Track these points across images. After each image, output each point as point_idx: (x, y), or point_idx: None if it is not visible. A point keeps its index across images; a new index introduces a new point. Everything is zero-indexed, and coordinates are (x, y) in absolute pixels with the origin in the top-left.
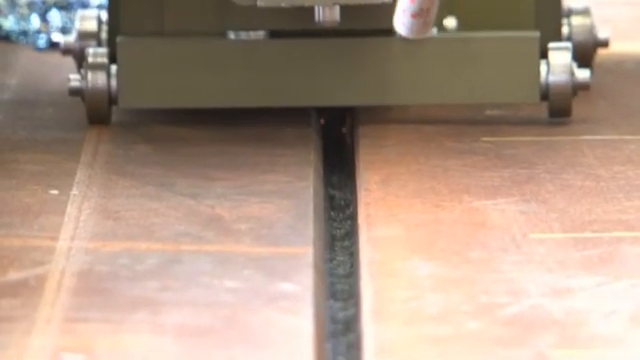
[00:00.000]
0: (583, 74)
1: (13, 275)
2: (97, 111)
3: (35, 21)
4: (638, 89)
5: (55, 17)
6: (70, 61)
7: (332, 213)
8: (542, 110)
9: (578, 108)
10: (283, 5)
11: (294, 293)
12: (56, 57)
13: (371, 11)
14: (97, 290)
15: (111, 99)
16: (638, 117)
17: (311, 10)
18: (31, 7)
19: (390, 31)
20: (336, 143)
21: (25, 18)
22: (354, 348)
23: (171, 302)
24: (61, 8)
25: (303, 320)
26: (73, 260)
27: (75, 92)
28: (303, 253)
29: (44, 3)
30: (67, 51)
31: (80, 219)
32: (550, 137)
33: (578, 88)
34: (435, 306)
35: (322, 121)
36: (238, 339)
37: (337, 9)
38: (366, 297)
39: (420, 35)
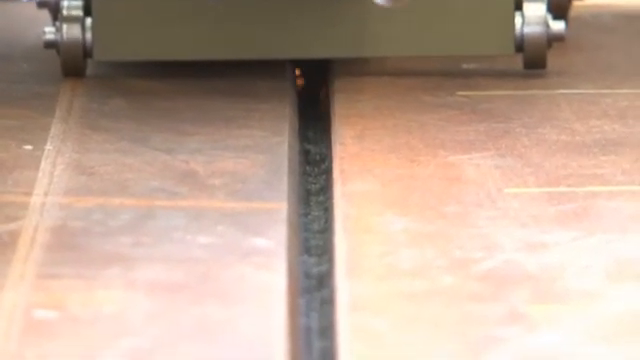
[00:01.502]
0: (558, 25)
1: None
2: (72, 64)
3: None
4: (615, 42)
5: None
6: (45, 15)
7: (307, 168)
8: (518, 63)
9: (554, 62)
10: None
11: (267, 248)
12: (31, 10)
13: None
14: (70, 246)
15: (86, 52)
16: (615, 71)
17: None
18: None
19: None
20: (312, 96)
21: None
22: (328, 304)
23: (144, 258)
24: None
25: (276, 275)
26: (47, 215)
27: (50, 45)
28: (277, 208)
29: None
30: (42, 4)
31: (54, 174)
32: (526, 91)
33: (553, 40)
34: (409, 261)
35: (298, 75)
36: (211, 295)
37: None
38: (340, 252)
39: (398, 4)
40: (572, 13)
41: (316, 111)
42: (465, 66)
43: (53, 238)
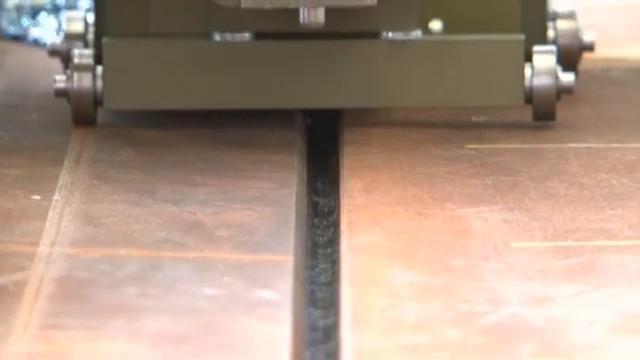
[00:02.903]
0: (568, 77)
1: None
2: (82, 112)
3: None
4: (624, 97)
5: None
6: (57, 65)
7: (315, 220)
8: (528, 115)
9: (564, 115)
10: (267, 6)
11: (273, 301)
12: (43, 60)
13: (356, 13)
14: (75, 296)
15: (96, 100)
16: (624, 125)
17: (296, 12)
18: (19, 10)
19: (375, 33)
20: (322, 146)
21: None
22: (333, 357)
23: (149, 309)
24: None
25: (282, 328)
26: (53, 266)
27: (61, 93)
28: (283, 261)
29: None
30: (54, 52)
31: (61, 225)
32: (535, 145)
33: (562, 91)
34: (414, 315)
35: (308, 124)
36: (216, 347)
37: (322, 11)
38: (346, 305)
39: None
40: (582, 67)
41: (325, 162)
42: (475, 119)
43: (58, 289)
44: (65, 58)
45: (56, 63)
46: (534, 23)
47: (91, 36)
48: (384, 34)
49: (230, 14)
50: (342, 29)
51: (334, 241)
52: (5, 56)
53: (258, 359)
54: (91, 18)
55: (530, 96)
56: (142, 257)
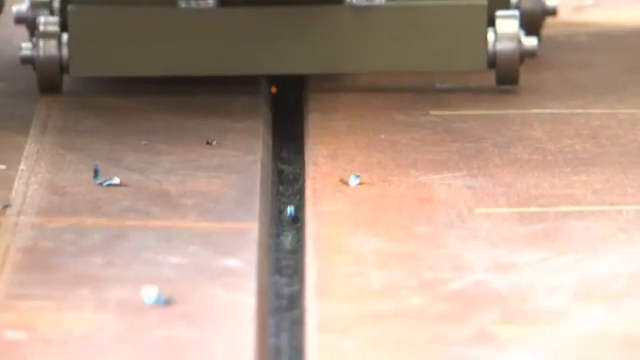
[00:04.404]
0: (530, 42)
1: None
2: (48, 80)
3: None
4: (588, 62)
5: None
6: (22, 34)
7: (281, 187)
8: (491, 82)
9: (528, 81)
10: None
11: (238, 269)
12: (8, 29)
13: None
14: (41, 266)
15: (62, 67)
16: (587, 91)
17: None
18: None
19: (339, 0)
20: (287, 113)
21: None
22: (298, 324)
23: (115, 278)
24: None
25: (246, 296)
26: (19, 236)
27: (26, 60)
28: (249, 229)
29: None
30: (20, 20)
31: (27, 194)
32: (499, 111)
33: (525, 56)
34: (379, 282)
35: (274, 89)
36: (181, 315)
37: None
38: (310, 273)
39: None
40: (546, 33)
41: (290, 129)
42: (439, 85)
43: (24, 258)
44: (31, 26)
45: (22, 32)
46: None
47: (57, 4)
48: (348, 0)
49: None
50: None
51: (299, 208)
52: None
53: (223, 327)
54: None
55: (493, 61)
56: (107, 226)
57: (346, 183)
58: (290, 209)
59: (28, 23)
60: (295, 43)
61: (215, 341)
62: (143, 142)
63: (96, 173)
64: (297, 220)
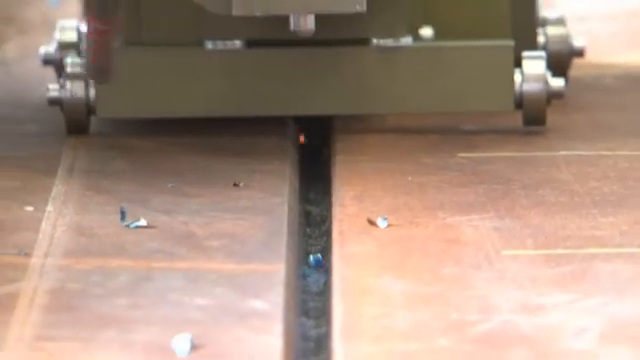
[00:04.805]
0: (557, 82)
1: None
2: (75, 121)
3: None
4: (615, 104)
5: None
6: (50, 75)
7: (308, 229)
8: (519, 123)
9: (556, 123)
10: (258, 14)
11: (265, 311)
12: (36, 71)
13: (346, 20)
14: (68, 308)
15: (90, 109)
16: (615, 132)
17: (286, 19)
18: None
19: (366, 40)
20: (314, 154)
21: None
22: None
23: (141, 320)
24: None
25: (273, 338)
26: (46, 277)
27: (54, 102)
28: (275, 270)
29: None
30: (47, 61)
31: (54, 236)
32: (526, 152)
33: (553, 96)
34: (406, 323)
35: (302, 139)
36: (207, 358)
37: (312, 18)
38: (337, 315)
39: (101, 82)
40: (573, 74)
41: (318, 170)
42: (466, 127)
43: (51, 300)
44: (59, 67)
45: (50, 73)
46: (524, 29)
47: (84, 45)
48: (374, 41)
49: (222, 22)
50: (333, 36)
51: (327, 250)
52: None
53: None
54: (84, 27)
55: (520, 102)
56: (134, 268)
57: (374, 224)
58: (315, 256)
59: (56, 64)
60: (322, 84)
61: None
62: (170, 185)
63: (123, 215)
64: (323, 264)
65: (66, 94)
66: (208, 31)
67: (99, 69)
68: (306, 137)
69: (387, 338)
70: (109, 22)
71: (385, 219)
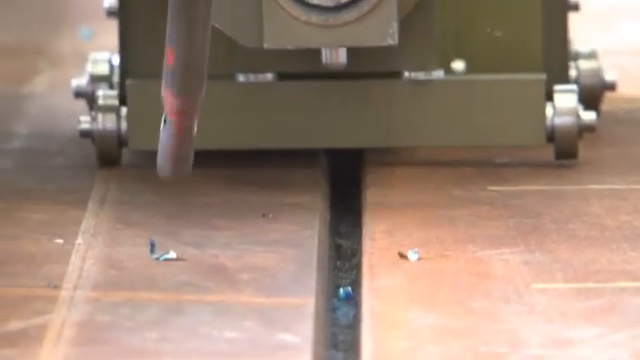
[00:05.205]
0: (589, 116)
1: (14, 325)
2: (107, 153)
3: None
4: None
5: None
6: (81, 109)
7: (338, 262)
8: (550, 156)
9: (587, 156)
10: (289, 47)
11: (294, 344)
12: (67, 104)
13: (377, 53)
14: (97, 340)
15: (121, 141)
16: None
17: (318, 52)
18: None
19: (397, 73)
20: (345, 186)
21: None
22: None
23: (170, 353)
24: None
25: None
26: (74, 310)
27: (85, 134)
28: (305, 303)
29: None
30: (79, 94)
31: (83, 268)
32: (557, 186)
33: (584, 130)
34: (434, 357)
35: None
36: None
37: (343, 51)
38: (366, 348)
39: (180, 175)
40: (605, 108)
41: (348, 203)
42: (497, 160)
43: (80, 333)
44: (90, 100)
45: (80, 107)
46: (556, 63)
47: (116, 78)
48: (406, 74)
49: (253, 55)
50: (364, 69)
51: (357, 283)
52: (30, 100)
53: None
54: (116, 60)
55: (552, 135)
56: (163, 301)
57: (405, 257)
58: (345, 289)
59: (87, 97)
60: (353, 117)
61: None
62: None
63: (152, 247)
64: (353, 297)
65: (97, 126)
66: (240, 64)
67: (178, 158)
68: (336, 165)
69: None
70: (192, 101)
71: (416, 252)
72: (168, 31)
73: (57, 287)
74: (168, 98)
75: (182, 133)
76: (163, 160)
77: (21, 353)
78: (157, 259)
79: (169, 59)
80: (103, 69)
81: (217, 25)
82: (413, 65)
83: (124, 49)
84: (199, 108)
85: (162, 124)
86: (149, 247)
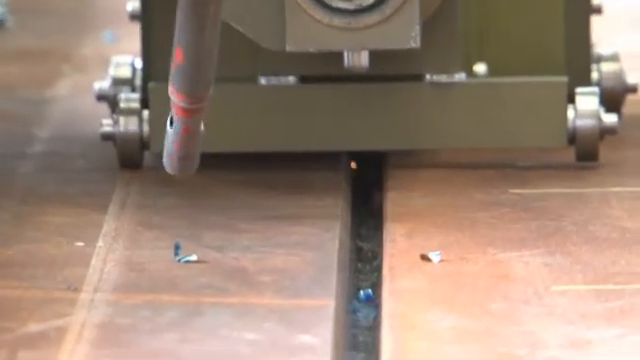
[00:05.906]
0: (611, 118)
1: (33, 327)
2: (128, 156)
3: None
4: None
5: None
6: (103, 112)
7: (359, 265)
8: (571, 158)
9: (608, 159)
10: (311, 50)
11: (314, 345)
12: (88, 108)
13: (400, 56)
14: (116, 342)
15: (143, 144)
16: None
17: (340, 55)
18: None
19: (419, 76)
20: (366, 189)
21: None
22: None
23: (190, 355)
24: None
25: None
26: (94, 312)
27: (107, 137)
28: (325, 305)
29: None
30: (101, 97)
31: (104, 271)
32: (578, 189)
33: (606, 132)
34: (454, 358)
35: (354, 165)
36: None
37: (366, 54)
38: (386, 349)
39: (185, 173)
40: (627, 111)
41: (370, 205)
42: (519, 162)
43: (99, 334)
44: (112, 103)
45: (102, 110)
46: (578, 65)
47: (138, 81)
48: (428, 77)
49: (276, 58)
50: (386, 72)
51: (377, 285)
52: (52, 103)
53: None
54: (138, 63)
55: (573, 137)
56: (183, 303)
57: (427, 259)
58: (365, 291)
59: (109, 100)
60: (375, 119)
61: None
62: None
63: (177, 249)
64: (373, 299)
65: (119, 129)
66: (262, 67)
67: (183, 157)
68: (357, 168)
69: None
70: (200, 101)
71: (438, 254)
72: (177, 31)
73: (77, 290)
74: (175, 97)
75: (189, 133)
76: (169, 158)
77: (41, 355)
78: (179, 261)
79: (177, 58)
80: (125, 72)
81: (240, 28)
82: (435, 68)
83: (146, 52)
84: (207, 108)
85: (168, 123)
86: (173, 249)
